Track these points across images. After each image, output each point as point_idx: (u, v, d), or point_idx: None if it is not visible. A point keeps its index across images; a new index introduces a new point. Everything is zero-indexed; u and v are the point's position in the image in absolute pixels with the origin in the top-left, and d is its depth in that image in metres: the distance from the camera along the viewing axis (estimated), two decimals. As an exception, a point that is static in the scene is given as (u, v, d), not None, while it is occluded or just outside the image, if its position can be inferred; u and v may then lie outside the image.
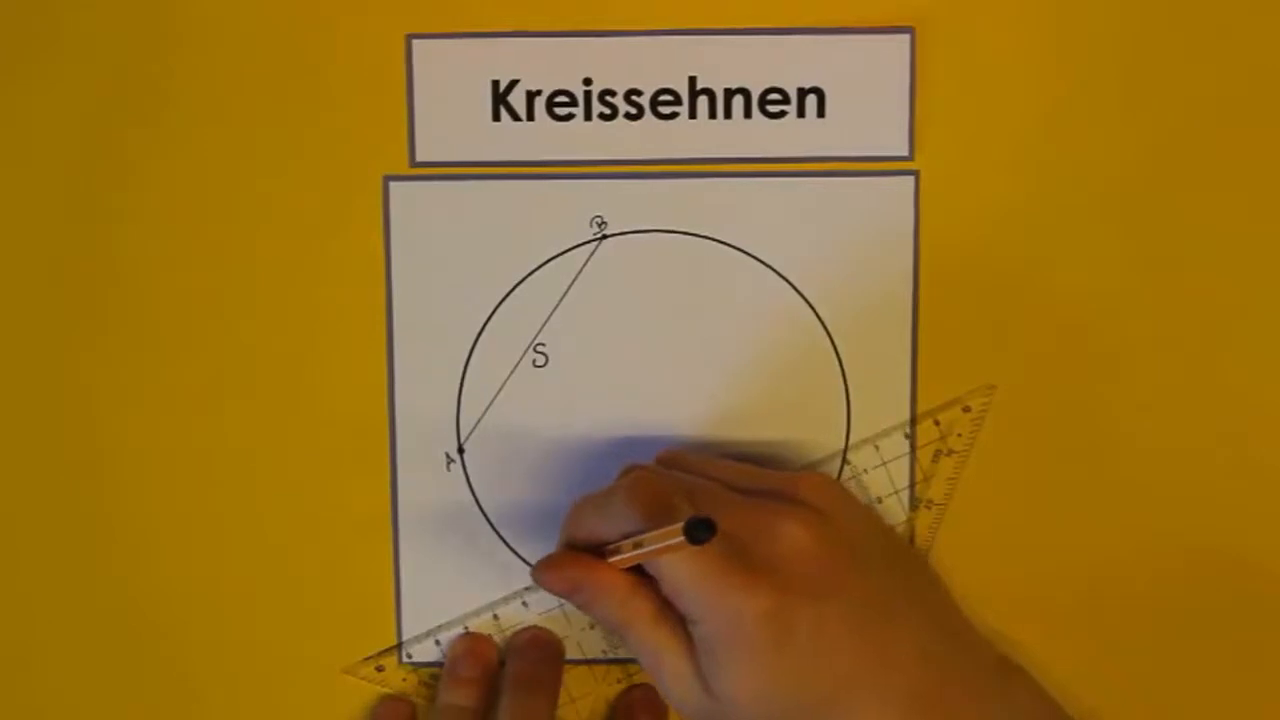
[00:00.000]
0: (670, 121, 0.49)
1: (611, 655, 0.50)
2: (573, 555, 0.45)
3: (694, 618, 0.43)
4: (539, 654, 0.49)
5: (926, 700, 0.43)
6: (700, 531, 0.39)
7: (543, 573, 0.45)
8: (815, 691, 0.42)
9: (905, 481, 0.49)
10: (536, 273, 0.49)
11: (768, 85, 0.49)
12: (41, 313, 0.49)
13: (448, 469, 0.50)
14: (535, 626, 0.50)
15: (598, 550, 0.45)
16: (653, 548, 0.42)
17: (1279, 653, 0.49)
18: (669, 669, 0.44)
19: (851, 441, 0.50)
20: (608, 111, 0.49)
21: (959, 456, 0.49)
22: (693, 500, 0.43)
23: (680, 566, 0.42)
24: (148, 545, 0.50)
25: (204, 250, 0.49)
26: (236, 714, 0.50)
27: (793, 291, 0.49)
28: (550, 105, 0.49)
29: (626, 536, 0.43)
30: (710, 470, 0.46)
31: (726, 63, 0.49)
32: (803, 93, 0.49)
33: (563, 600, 0.50)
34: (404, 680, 0.50)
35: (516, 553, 0.50)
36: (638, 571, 0.44)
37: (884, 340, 0.49)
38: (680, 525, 0.39)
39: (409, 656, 0.50)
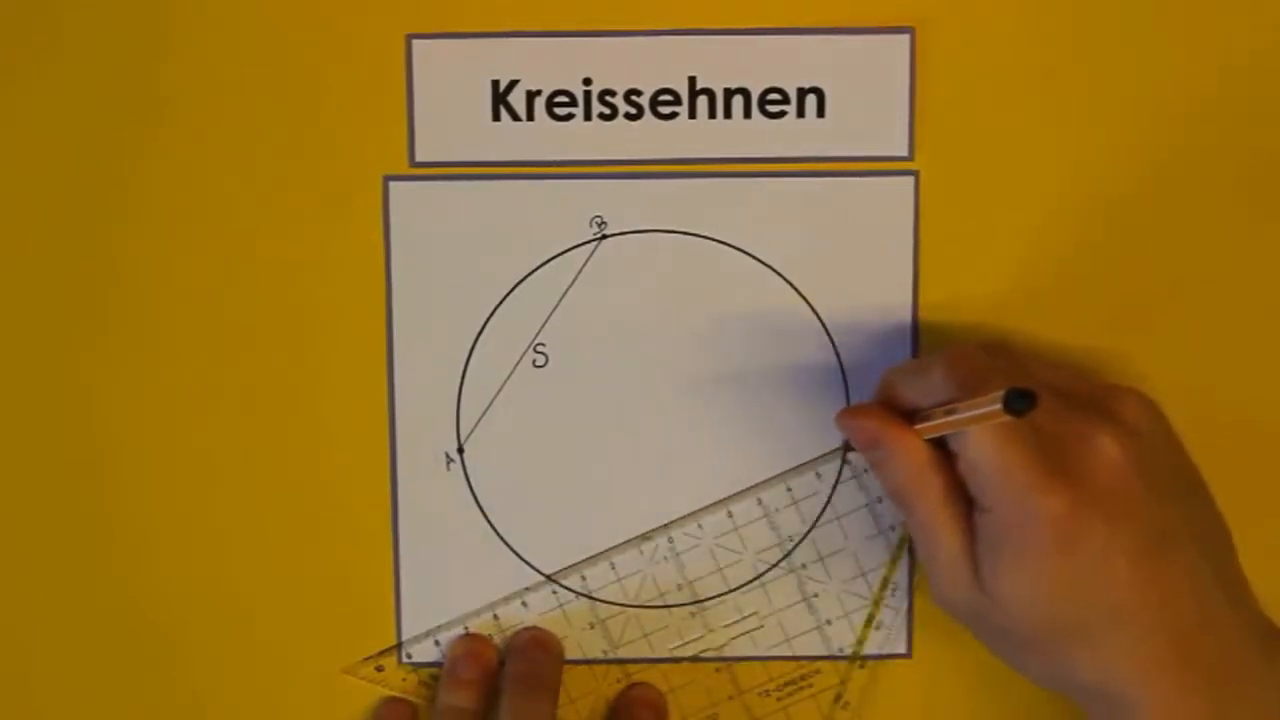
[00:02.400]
0: (670, 121, 0.49)
1: (612, 655, 0.50)
2: (882, 410, 0.45)
3: (985, 504, 0.42)
4: (539, 654, 0.49)
5: (1185, 644, 0.42)
6: (1019, 403, 0.38)
7: (848, 419, 0.45)
8: (1080, 609, 0.42)
9: (905, 481, 0.50)
10: (536, 273, 0.49)
11: (768, 85, 0.49)
12: (41, 313, 0.49)
13: (448, 469, 0.50)
14: (535, 627, 0.50)
15: (907, 417, 0.44)
16: (968, 414, 0.41)
17: None
18: (944, 551, 0.43)
19: (851, 441, 0.50)
20: (608, 111, 0.49)
21: (959, 456, 0.49)
22: (1013, 384, 0.43)
23: (986, 447, 0.42)
24: (148, 545, 0.50)
25: (204, 250, 0.49)
26: (236, 714, 0.50)
27: (793, 291, 0.49)
28: (550, 105, 0.49)
29: (939, 406, 0.43)
30: (1027, 365, 0.46)
31: (726, 63, 0.48)
32: (803, 93, 0.49)
33: (563, 603, 0.50)
34: (404, 680, 0.50)
35: (516, 553, 0.50)
36: (938, 449, 0.44)
37: (884, 340, 0.49)
38: (1000, 394, 0.38)
39: (409, 657, 0.50)
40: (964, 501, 0.43)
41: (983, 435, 0.42)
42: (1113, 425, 0.43)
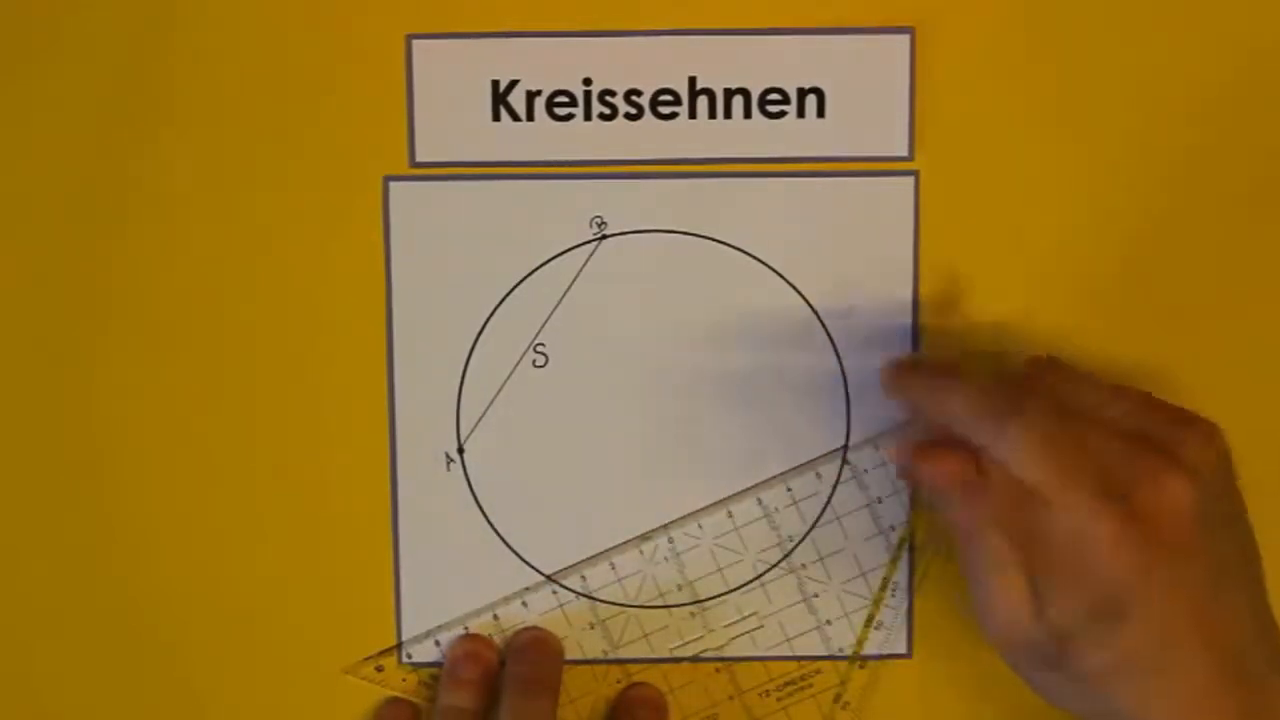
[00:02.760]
0: (670, 121, 0.49)
1: (612, 655, 0.50)
2: (963, 455, 0.44)
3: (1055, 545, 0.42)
4: (539, 654, 0.49)
5: (1223, 682, 0.42)
6: None
7: (926, 462, 0.44)
8: (1136, 644, 0.42)
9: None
10: (536, 273, 0.49)
11: (768, 85, 0.49)
12: (41, 313, 0.49)
13: (448, 469, 0.50)
14: (535, 627, 0.50)
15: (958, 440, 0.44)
16: None
17: None
18: (1009, 585, 0.43)
19: (851, 441, 0.50)
20: (608, 111, 0.49)
21: (959, 456, 0.49)
22: (1095, 457, 0.43)
23: (1068, 516, 0.42)
24: (148, 545, 0.50)
25: (204, 250, 0.49)
26: (236, 714, 0.50)
27: (793, 291, 0.49)
28: (550, 105, 0.49)
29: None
30: (1098, 400, 0.45)
31: (726, 63, 0.49)
32: (803, 93, 0.49)
33: (563, 603, 0.50)
34: (404, 681, 0.50)
35: (517, 553, 0.50)
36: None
37: (884, 340, 0.49)
38: None
39: (409, 657, 0.50)
40: (1029, 527, 0.43)
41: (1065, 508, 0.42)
42: (1182, 470, 0.43)
